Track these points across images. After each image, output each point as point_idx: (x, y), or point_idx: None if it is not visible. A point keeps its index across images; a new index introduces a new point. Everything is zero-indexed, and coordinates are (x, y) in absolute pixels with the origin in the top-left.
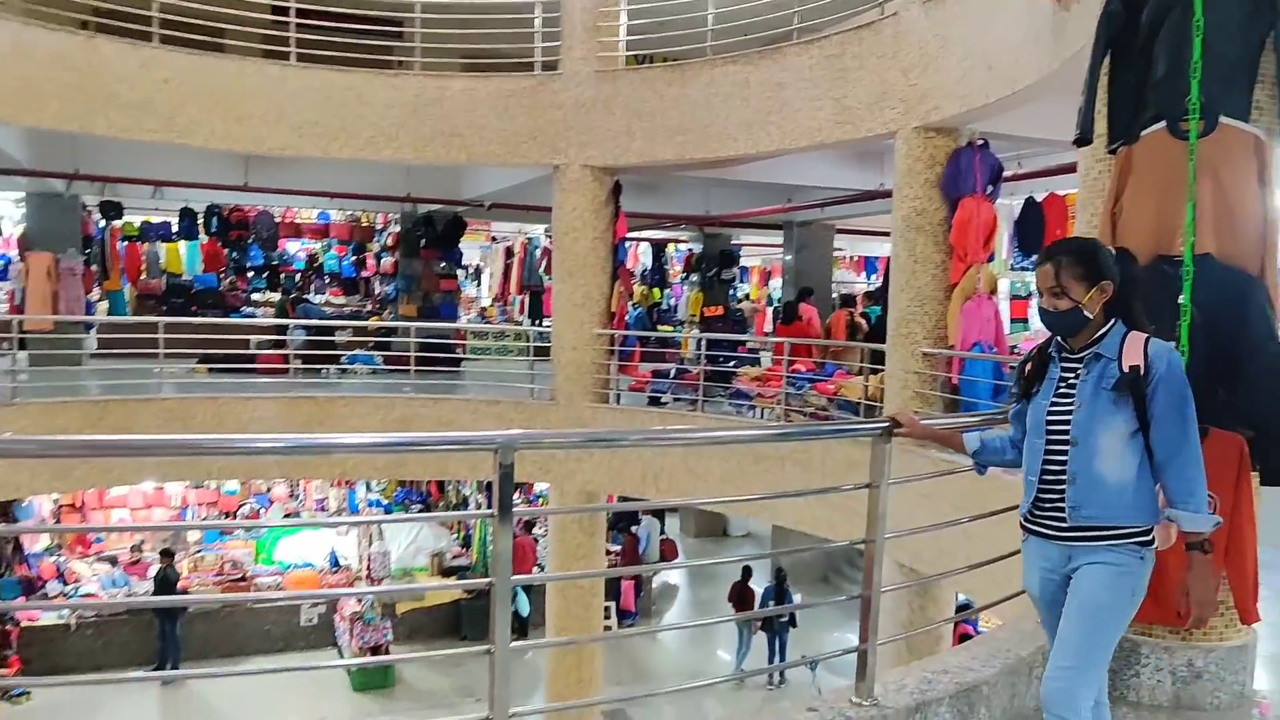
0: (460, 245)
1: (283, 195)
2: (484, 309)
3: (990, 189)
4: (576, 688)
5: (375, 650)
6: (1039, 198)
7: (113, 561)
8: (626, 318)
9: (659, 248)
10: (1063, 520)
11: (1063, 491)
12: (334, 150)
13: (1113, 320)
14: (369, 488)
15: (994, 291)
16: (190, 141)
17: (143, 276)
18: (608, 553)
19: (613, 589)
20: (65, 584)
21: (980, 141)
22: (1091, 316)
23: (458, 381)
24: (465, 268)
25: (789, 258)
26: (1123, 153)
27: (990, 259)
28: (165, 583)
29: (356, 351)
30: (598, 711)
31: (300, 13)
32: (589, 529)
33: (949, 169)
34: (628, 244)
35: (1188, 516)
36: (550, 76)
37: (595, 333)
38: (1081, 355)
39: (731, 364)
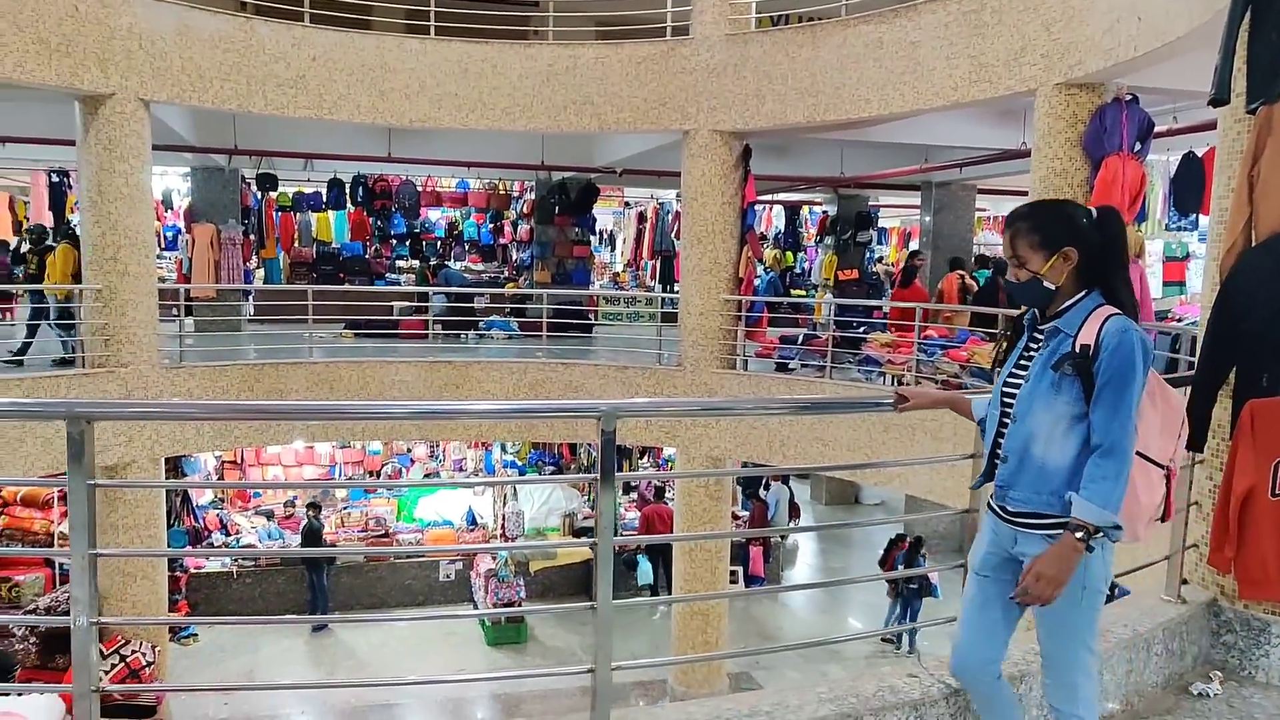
0: (594, 211)
1: (423, 165)
2: (617, 274)
3: (1138, 146)
4: (703, 648)
5: (508, 606)
6: (1200, 152)
7: (269, 515)
8: (756, 283)
9: (793, 211)
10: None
11: None
12: (471, 121)
13: (1085, 291)
14: (504, 449)
15: (1140, 254)
16: (338, 116)
17: (295, 245)
18: (735, 518)
19: (740, 554)
20: (228, 534)
21: (1128, 97)
22: (1054, 287)
23: (588, 346)
24: (598, 233)
25: (927, 219)
26: (1262, 112)
27: (1139, 220)
28: (311, 534)
29: (493, 317)
30: (723, 674)
31: None
32: (715, 494)
33: (1092, 126)
34: (759, 208)
35: (1080, 501)
36: (681, 41)
37: (723, 298)
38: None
39: (861, 329)
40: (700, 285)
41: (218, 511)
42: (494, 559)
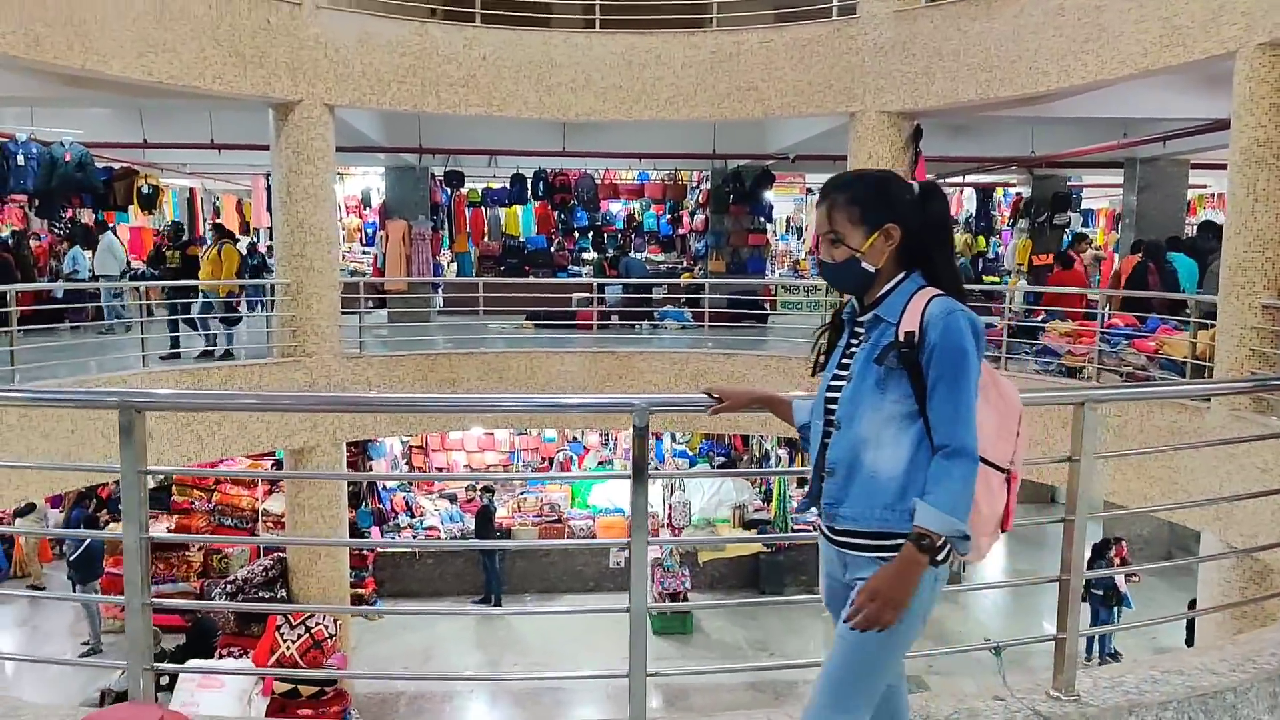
0: (770, 199)
1: (597, 158)
2: (797, 262)
3: None
4: None
5: (674, 597)
6: None
7: (452, 499)
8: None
9: (985, 193)
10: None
11: None
12: (636, 112)
13: (905, 274)
14: (674, 439)
15: None
16: (506, 113)
17: (485, 239)
18: None
19: None
20: (412, 516)
21: None
22: (874, 268)
23: (761, 336)
24: (777, 221)
25: (1131, 198)
26: None
27: None
28: (484, 517)
29: (667, 308)
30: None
31: None
32: None
33: None
34: (948, 190)
35: (925, 507)
36: (847, 21)
37: None
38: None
39: (1040, 318)
40: None
41: (405, 494)
42: (660, 549)
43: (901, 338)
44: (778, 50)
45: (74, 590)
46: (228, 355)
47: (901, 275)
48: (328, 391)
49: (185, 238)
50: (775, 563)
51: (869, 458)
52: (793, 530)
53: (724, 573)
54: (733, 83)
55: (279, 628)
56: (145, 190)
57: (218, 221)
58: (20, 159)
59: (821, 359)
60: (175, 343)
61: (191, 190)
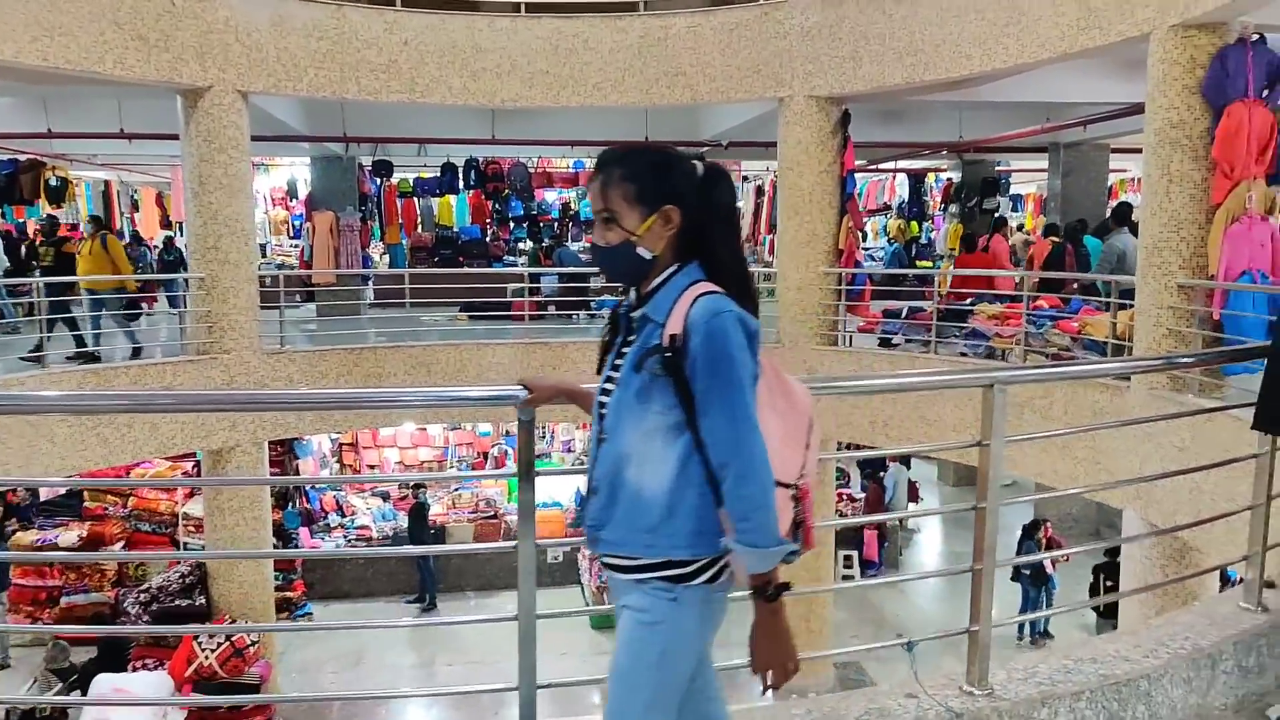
0: None
1: (526, 145)
2: None
3: (1267, 92)
4: (805, 639)
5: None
6: None
7: (385, 497)
8: (874, 255)
9: (917, 179)
10: None
11: None
12: (563, 99)
13: (678, 265)
14: None
15: (1272, 211)
16: (430, 100)
17: (418, 230)
18: (851, 499)
19: (855, 538)
20: (343, 516)
21: (1255, 36)
22: (651, 255)
23: None
24: None
25: (1055, 182)
26: None
27: (1273, 176)
28: (418, 515)
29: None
30: (829, 665)
31: None
32: (820, 478)
33: (1213, 71)
34: (858, 175)
35: (741, 552)
36: (775, 5)
37: (821, 271)
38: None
39: (968, 301)
40: (797, 258)
41: (335, 493)
42: None
43: (665, 341)
44: (705, 35)
45: None
46: (136, 354)
47: (675, 267)
48: (246, 389)
49: (59, 234)
50: None
51: (632, 474)
52: None
53: None
54: (661, 68)
55: (197, 637)
56: (53, 183)
57: (95, 214)
58: None
59: (600, 358)
60: (41, 345)
61: (107, 183)
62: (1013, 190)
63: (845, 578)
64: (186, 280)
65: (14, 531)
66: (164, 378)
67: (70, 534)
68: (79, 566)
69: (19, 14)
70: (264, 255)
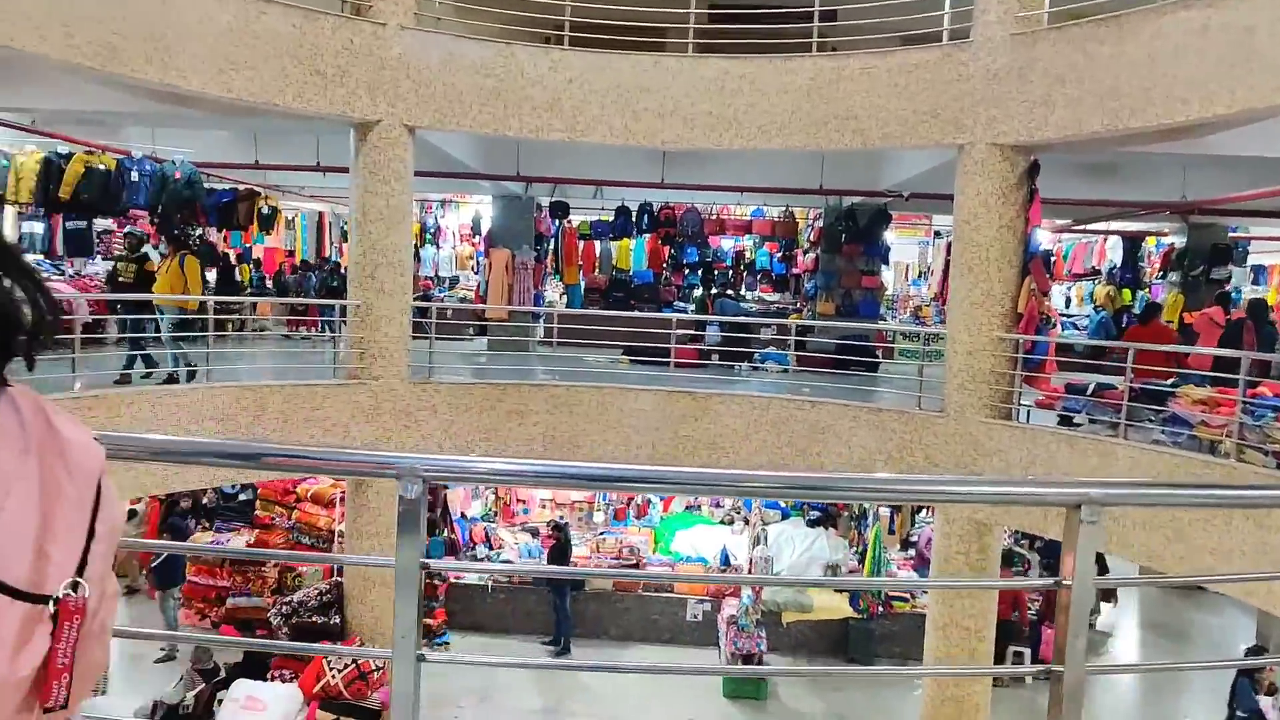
0: (889, 240)
1: (696, 191)
2: (918, 308)
3: None
4: None
5: (748, 659)
6: None
7: (534, 533)
8: (1055, 314)
9: (1133, 242)
10: None
11: None
12: (725, 141)
13: None
14: None
15: None
16: (589, 139)
17: (595, 271)
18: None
19: (1031, 634)
20: (490, 549)
21: None
22: None
23: (865, 386)
24: (891, 264)
25: None
26: None
27: None
28: (558, 554)
29: (769, 349)
30: None
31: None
32: (976, 561)
33: None
34: (1064, 237)
35: None
36: (958, 46)
37: (995, 335)
38: None
39: (1170, 382)
40: (970, 319)
41: (486, 525)
42: (738, 606)
43: None
44: (880, 77)
45: (154, 596)
46: (173, 379)
47: None
48: (391, 415)
49: (143, 250)
50: (865, 629)
51: None
52: (887, 598)
53: (809, 636)
54: (830, 110)
55: (327, 656)
56: (265, 211)
57: (175, 231)
58: (135, 175)
59: None
60: (131, 362)
61: (320, 214)
62: (1252, 260)
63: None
64: (342, 308)
65: (194, 529)
66: (314, 400)
67: (240, 539)
68: (245, 570)
69: (208, 47)
70: (450, 288)
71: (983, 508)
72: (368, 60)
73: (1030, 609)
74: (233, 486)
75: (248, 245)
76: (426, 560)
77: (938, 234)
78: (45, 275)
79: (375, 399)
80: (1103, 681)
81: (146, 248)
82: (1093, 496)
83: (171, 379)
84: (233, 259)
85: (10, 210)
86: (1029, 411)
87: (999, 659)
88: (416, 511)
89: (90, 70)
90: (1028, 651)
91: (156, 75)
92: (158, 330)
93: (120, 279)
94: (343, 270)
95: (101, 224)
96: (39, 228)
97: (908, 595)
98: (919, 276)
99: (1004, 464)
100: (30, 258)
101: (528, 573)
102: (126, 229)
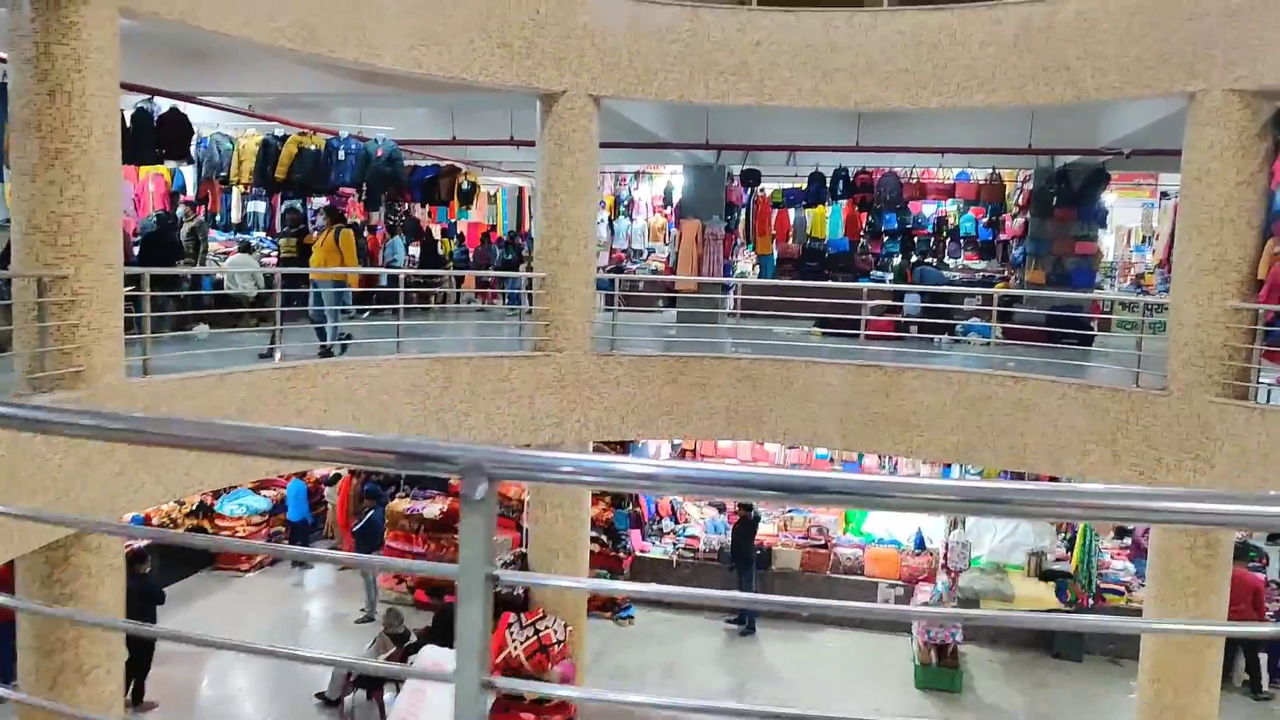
0: (1107, 202)
1: (893, 154)
2: (1141, 276)
3: None
4: None
5: (941, 649)
6: None
7: (721, 508)
8: None
9: None
10: None
11: None
12: (921, 100)
13: None
14: (965, 469)
15: None
16: (777, 102)
17: (789, 240)
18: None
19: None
20: (676, 522)
21: None
22: None
23: (1078, 361)
24: (1109, 228)
25: None
26: None
27: None
28: (744, 530)
29: (972, 320)
30: None
31: None
32: (1203, 560)
33: None
34: None
35: None
36: None
37: (1230, 306)
38: None
39: None
40: (1199, 288)
41: (671, 498)
42: (932, 592)
43: None
44: (1099, 21)
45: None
46: (328, 352)
47: None
48: (574, 387)
49: (302, 225)
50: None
51: None
52: (1099, 589)
53: (1009, 628)
54: (1038, 62)
55: (510, 626)
56: (465, 187)
57: (329, 204)
58: (341, 154)
59: None
60: (322, 334)
61: (521, 189)
62: None
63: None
64: (518, 280)
65: (393, 495)
66: (501, 371)
67: (434, 506)
68: (439, 537)
69: (400, 24)
70: (644, 260)
71: None
72: (554, 30)
73: (1270, 608)
74: None
75: (453, 220)
76: (495, 571)
77: (1164, 195)
78: (267, 251)
79: (559, 371)
80: None
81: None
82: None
83: (326, 352)
84: (436, 234)
85: (235, 191)
86: (1270, 391)
87: (1228, 666)
88: (485, 514)
89: (292, 51)
90: (1266, 656)
91: (353, 54)
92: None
93: (282, 254)
94: (519, 242)
95: (318, 202)
96: (261, 207)
97: (1122, 588)
98: (1143, 242)
99: (1238, 450)
100: (255, 235)
101: (600, 590)
102: (286, 204)
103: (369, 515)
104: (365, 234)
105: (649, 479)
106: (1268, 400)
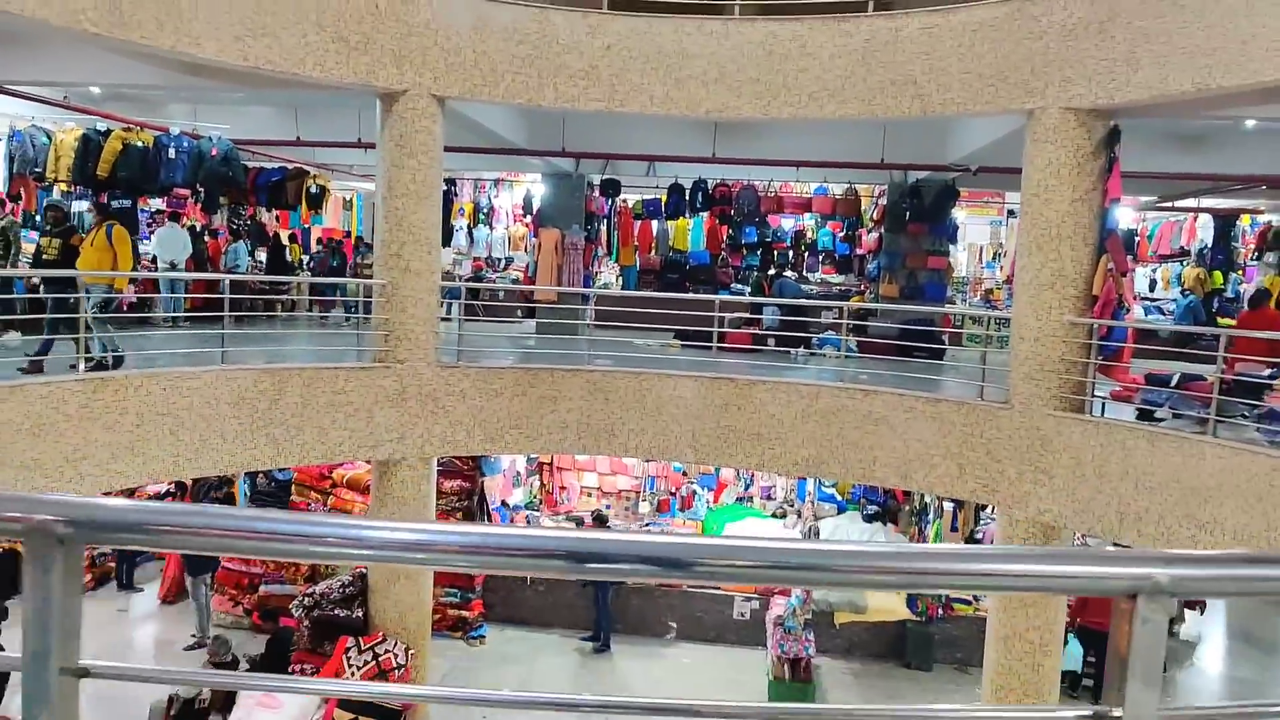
0: (957, 219)
1: (749, 166)
2: (989, 291)
3: None
4: None
5: (795, 663)
6: None
7: (579, 522)
8: (1134, 301)
9: (1225, 220)
10: None
11: None
12: (773, 109)
13: None
14: (820, 482)
15: None
16: (628, 109)
17: (652, 252)
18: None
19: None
20: None
21: None
22: None
23: (928, 375)
24: (959, 244)
25: None
26: None
27: None
28: None
29: (827, 334)
30: None
31: None
32: None
33: None
34: (1150, 216)
35: None
36: (1029, 1)
37: (1066, 320)
38: None
39: (1267, 374)
40: (1039, 303)
41: (529, 513)
42: (785, 606)
43: None
44: (943, 37)
45: (186, 582)
46: (119, 363)
47: None
48: (417, 400)
49: (68, 223)
50: (923, 633)
51: None
52: (946, 600)
53: (862, 638)
54: (887, 75)
55: (347, 651)
56: (313, 190)
57: (101, 200)
58: (172, 152)
59: None
60: (46, 348)
61: None
62: None
63: (1073, 691)
64: (345, 288)
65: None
66: (335, 382)
67: None
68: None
69: (224, 13)
70: (502, 269)
71: (1050, 509)
72: (394, 25)
73: None
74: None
75: (307, 226)
76: (80, 663)
77: (1011, 213)
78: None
79: (401, 383)
80: (1185, 695)
81: (188, 223)
82: (1152, 582)
83: (100, 365)
84: (284, 239)
85: (57, 189)
86: (1104, 404)
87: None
88: (60, 587)
89: (97, 36)
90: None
91: (169, 42)
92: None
93: (44, 256)
94: (343, 251)
95: (155, 204)
96: (85, 206)
97: (971, 598)
98: (993, 258)
99: (1074, 461)
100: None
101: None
102: (47, 201)
103: None
104: (205, 238)
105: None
106: (1102, 413)
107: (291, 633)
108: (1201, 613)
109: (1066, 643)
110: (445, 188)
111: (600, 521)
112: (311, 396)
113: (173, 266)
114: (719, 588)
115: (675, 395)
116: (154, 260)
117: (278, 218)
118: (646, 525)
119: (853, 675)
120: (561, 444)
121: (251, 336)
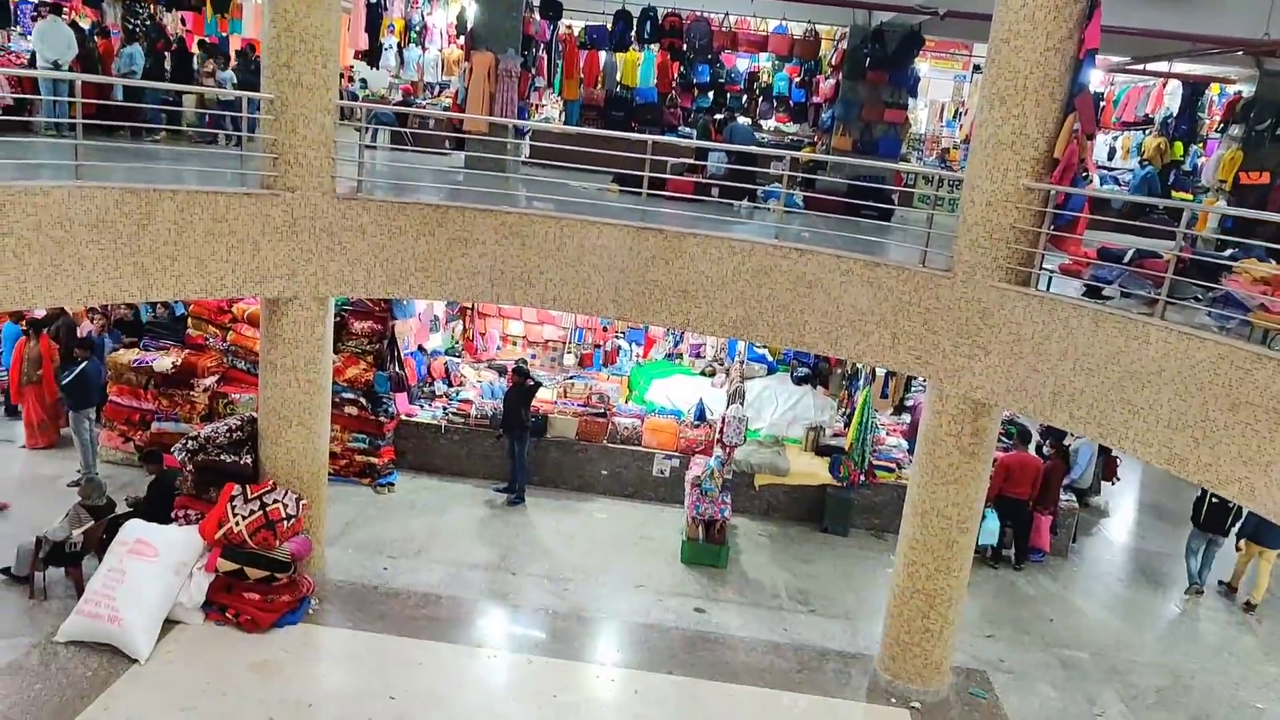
0: (920, 70)
1: None
2: (946, 151)
3: None
4: (920, 637)
5: (709, 525)
6: None
7: (501, 371)
8: (1094, 168)
9: (1194, 88)
10: None
11: None
12: None
13: None
14: (748, 346)
15: None
16: None
17: (598, 86)
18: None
19: (1018, 516)
20: (450, 385)
21: None
22: None
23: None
24: (920, 96)
25: None
26: None
27: None
28: (518, 396)
29: (774, 186)
30: (946, 668)
31: None
32: (968, 447)
33: None
34: (1119, 79)
35: None
36: None
37: (1023, 185)
38: None
39: (1228, 254)
40: (995, 163)
41: (448, 360)
42: (703, 467)
43: None
44: None
45: (67, 416)
46: None
47: None
48: (310, 235)
49: None
50: (844, 499)
51: None
52: (871, 466)
53: (781, 501)
54: None
55: (233, 499)
56: None
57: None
58: None
59: None
60: None
61: None
62: None
63: (993, 561)
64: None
65: (117, 348)
66: (216, 209)
67: (166, 360)
68: (171, 394)
69: None
70: (435, 95)
71: (982, 386)
72: None
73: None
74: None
75: (225, 34)
76: None
77: (977, 68)
78: None
79: (291, 214)
80: (1089, 563)
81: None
82: None
83: None
84: (190, 45)
85: None
86: (1051, 278)
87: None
88: None
89: None
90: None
91: None
92: None
93: None
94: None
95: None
96: None
97: (893, 465)
98: (954, 117)
99: (1013, 338)
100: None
101: None
102: None
103: (81, 366)
104: (94, 38)
105: None
106: (1048, 288)
107: (176, 474)
108: (1115, 482)
109: (985, 517)
110: (375, 1)
111: (521, 374)
112: (187, 223)
113: (56, 66)
114: (640, 444)
115: (599, 244)
116: (33, 57)
117: (183, 20)
118: (570, 379)
119: (768, 537)
120: (472, 291)
121: (124, 151)
